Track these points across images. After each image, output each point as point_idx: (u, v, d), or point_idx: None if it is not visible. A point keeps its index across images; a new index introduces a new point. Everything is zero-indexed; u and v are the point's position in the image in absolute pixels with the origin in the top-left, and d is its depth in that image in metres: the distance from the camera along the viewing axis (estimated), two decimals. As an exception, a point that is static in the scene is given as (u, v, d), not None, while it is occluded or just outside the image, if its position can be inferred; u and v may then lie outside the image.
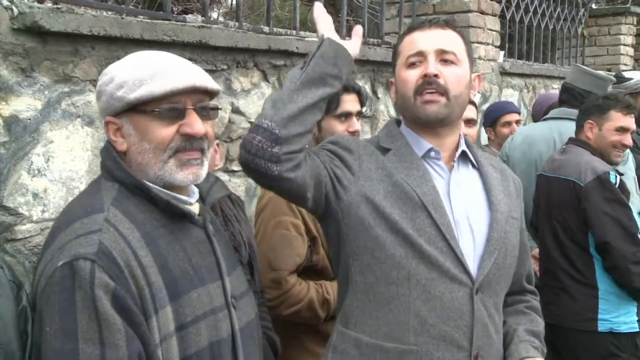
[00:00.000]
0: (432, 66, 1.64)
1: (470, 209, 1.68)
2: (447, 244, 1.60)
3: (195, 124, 1.42)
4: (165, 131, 1.40)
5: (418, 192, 1.62)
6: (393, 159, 1.68)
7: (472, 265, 1.63)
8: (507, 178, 1.82)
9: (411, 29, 1.75)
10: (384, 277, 1.61)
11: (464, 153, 1.75)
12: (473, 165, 1.76)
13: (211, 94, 1.50)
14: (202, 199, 1.57)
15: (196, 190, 1.57)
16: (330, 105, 2.31)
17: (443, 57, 1.67)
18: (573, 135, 3.14)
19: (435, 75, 1.63)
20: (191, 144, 1.43)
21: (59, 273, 1.26)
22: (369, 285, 1.62)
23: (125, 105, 1.40)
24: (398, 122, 1.80)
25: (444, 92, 1.64)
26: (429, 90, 1.64)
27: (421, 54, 1.67)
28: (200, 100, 1.46)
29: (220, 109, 1.56)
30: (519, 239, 1.78)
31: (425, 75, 1.64)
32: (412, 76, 1.67)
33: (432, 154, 1.70)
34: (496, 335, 1.69)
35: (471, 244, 1.64)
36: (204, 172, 1.48)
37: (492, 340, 1.67)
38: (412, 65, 1.68)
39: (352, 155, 1.67)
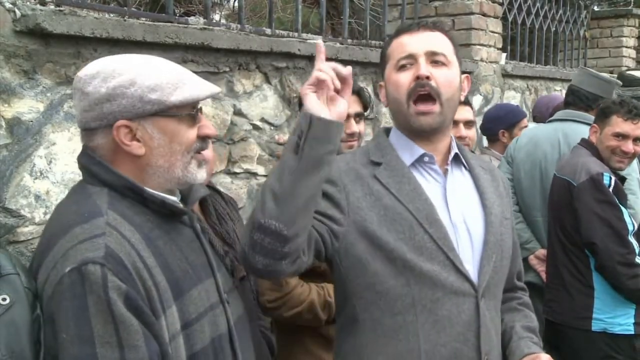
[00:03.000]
0: (424, 68, 1.62)
1: (467, 211, 1.68)
2: (447, 257, 1.59)
3: (211, 126, 1.50)
4: (192, 133, 1.45)
5: (411, 209, 1.60)
6: (384, 174, 1.65)
7: (473, 270, 1.63)
8: (496, 178, 1.82)
9: (399, 32, 1.72)
10: (389, 309, 1.59)
11: (456, 156, 1.74)
12: (465, 168, 1.76)
13: None
14: (183, 200, 1.58)
15: (177, 192, 1.57)
16: None
17: (433, 58, 1.64)
18: (577, 137, 3.13)
19: (427, 77, 1.61)
20: (206, 144, 1.49)
21: (67, 279, 1.25)
22: (376, 321, 1.61)
23: (164, 107, 1.38)
24: (387, 131, 1.78)
25: (436, 95, 1.62)
26: (422, 92, 1.62)
27: (412, 57, 1.65)
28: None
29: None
30: (512, 239, 1.79)
31: (418, 77, 1.62)
32: (403, 79, 1.64)
33: (426, 159, 1.69)
34: (496, 337, 1.70)
35: (469, 247, 1.65)
36: None
37: (495, 343, 1.68)
38: (402, 68, 1.66)
39: (336, 187, 1.62)
